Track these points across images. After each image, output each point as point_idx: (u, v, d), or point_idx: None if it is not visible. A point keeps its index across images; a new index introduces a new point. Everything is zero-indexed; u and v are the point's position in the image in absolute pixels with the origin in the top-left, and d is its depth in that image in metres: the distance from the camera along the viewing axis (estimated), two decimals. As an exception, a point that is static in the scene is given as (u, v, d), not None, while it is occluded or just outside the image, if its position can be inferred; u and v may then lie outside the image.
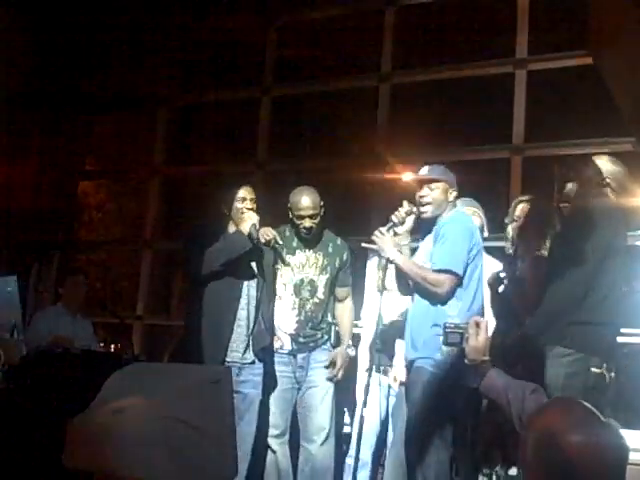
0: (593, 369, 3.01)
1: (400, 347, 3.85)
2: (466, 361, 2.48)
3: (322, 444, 4.06)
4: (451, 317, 3.42)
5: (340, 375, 4.15)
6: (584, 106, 5.06)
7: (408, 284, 3.67)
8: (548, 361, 3.06)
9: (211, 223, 4.24)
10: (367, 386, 3.60)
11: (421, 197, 3.63)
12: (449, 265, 3.48)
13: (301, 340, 4.15)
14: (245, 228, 3.93)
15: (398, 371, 3.96)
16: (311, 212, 4.09)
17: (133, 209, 6.93)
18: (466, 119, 5.59)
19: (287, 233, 4.22)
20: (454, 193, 3.67)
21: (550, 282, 3.14)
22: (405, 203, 3.68)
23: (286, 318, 4.16)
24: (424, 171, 3.68)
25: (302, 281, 4.17)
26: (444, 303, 3.48)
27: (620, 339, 3.31)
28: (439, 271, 3.49)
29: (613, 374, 3.06)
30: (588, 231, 3.11)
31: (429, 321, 3.47)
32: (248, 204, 4.02)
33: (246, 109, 6.37)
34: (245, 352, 4.00)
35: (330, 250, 4.22)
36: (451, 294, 3.48)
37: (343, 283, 4.27)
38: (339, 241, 4.26)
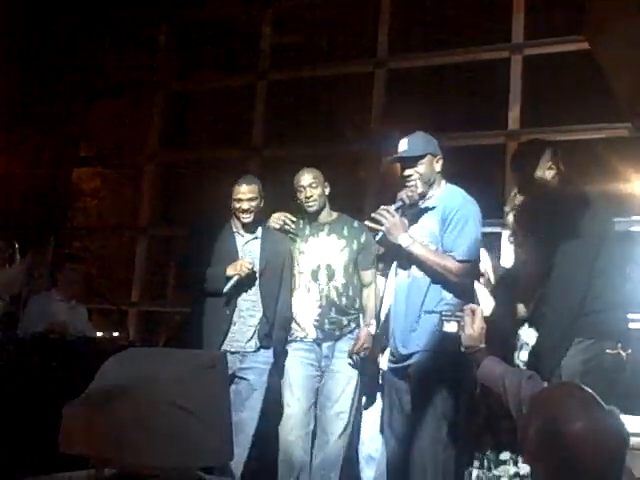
0: (608, 351, 3.04)
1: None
2: (462, 349, 2.49)
3: (339, 436, 3.95)
4: (449, 304, 3.38)
5: (362, 353, 3.97)
6: (580, 91, 5.05)
7: (389, 265, 3.56)
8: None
9: (213, 218, 4.26)
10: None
11: (407, 177, 3.46)
12: (472, 256, 3.40)
13: (327, 327, 4.02)
14: (229, 273, 3.90)
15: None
16: (310, 181, 4.06)
17: (129, 195, 6.91)
18: (462, 104, 5.57)
19: (301, 223, 4.19)
20: (440, 161, 3.49)
21: (556, 278, 3.12)
22: (418, 183, 3.45)
23: (307, 306, 4.05)
24: (403, 146, 3.47)
25: (319, 267, 4.07)
26: (457, 293, 3.38)
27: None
28: (462, 261, 3.37)
29: (630, 351, 3.08)
30: (582, 219, 3.11)
31: (427, 308, 3.37)
32: (245, 205, 3.98)
33: (242, 95, 6.35)
34: (249, 341, 3.98)
35: (345, 233, 4.12)
36: (467, 283, 3.43)
37: (366, 266, 4.10)
38: (356, 224, 4.14)
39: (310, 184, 4.06)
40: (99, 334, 5.21)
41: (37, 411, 3.79)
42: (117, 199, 7.08)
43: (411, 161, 3.44)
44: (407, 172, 3.45)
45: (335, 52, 6.14)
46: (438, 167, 3.48)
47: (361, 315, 4.11)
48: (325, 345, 4.04)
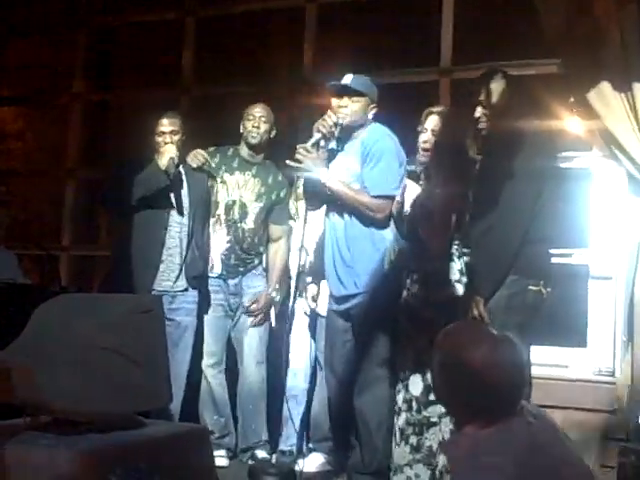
0: (531, 287, 3.18)
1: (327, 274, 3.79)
2: None
3: (254, 367, 4.08)
4: (388, 240, 3.43)
5: (259, 318, 4.11)
6: (513, 27, 5.06)
7: (319, 200, 3.58)
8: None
9: (137, 157, 4.20)
10: (292, 312, 3.63)
11: (340, 107, 3.52)
12: (388, 190, 3.44)
13: (232, 262, 4.10)
14: (163, 162, 3.89)
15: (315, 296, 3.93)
16: (262, 114, 4.15)
17: (54, 137, 6.69)
18: (394, 41, 5.53)
19: (229, 152, 4.23)
20: (374, 110, 3.59)
21: (500, 212, 3.17)
22: (330, 113, 3.53)
23: (217, 237, 4.12)
24: (347, 80, 3.55)
25: (234, 202, 4.13)
26: (385, 228, 3.45)
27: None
28: (378, 197, 3.43)
29: (550, 289, 3.23)
30: (528, 154, 3.16)
31: (367, 247, 3.45)
32: (167, 138, 3.99)
33: (170, 31, 6.16)
34: (177, 280, 3.99)
35: (270, 181, 4.18)
36: (390, 218, 3.46)
37: (277, 221, 4.20)
38: (280, 177, 4.20)
39: (261, 116, 4.14)
40: (30, 281, 5.08)
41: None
42: (42, 141, 6.85)
43: (350, 93, 3.52)
44: (343, 102, 3.52)
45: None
46: (370, 115, 3.58)
47: (264, 255, 4.19)
48: (231, 282, 4.13)
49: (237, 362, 4.18)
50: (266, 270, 4.22)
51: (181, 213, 4.00)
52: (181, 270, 4.00)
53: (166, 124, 4.02)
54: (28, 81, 6.68)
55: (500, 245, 3.19)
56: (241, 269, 4.13)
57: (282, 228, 4.19)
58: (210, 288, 4.12)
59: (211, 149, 4.28)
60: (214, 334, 4.13)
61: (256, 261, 4.18)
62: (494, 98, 3.34)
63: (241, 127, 4.18)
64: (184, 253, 4.01)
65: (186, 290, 4.02)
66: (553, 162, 3.39)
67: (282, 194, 4.18)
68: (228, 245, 4.11)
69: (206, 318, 4.13)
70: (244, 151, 4.21)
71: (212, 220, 4.15)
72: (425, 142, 3.60)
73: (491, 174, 3.25)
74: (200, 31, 5.91)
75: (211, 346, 4.12)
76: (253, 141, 4.14)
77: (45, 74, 6.62)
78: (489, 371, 1.83)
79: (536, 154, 3.22)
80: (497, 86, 3.36)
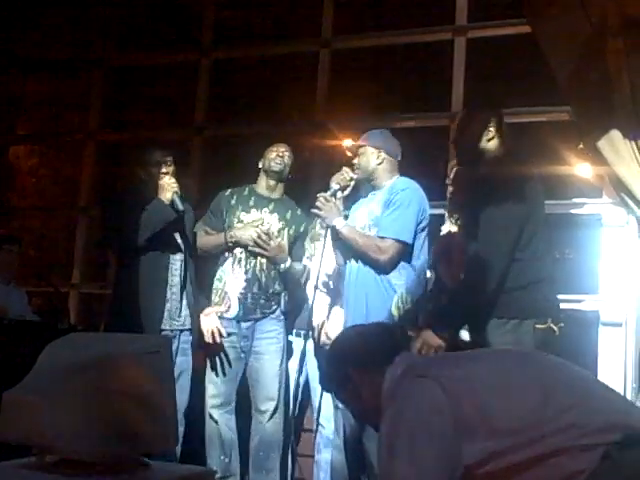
0: (538, 326, 3.00)
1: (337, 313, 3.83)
2: None
3: (271, 416, 3.98)
4: (399, 286, 3.45)
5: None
6: (523, 74, 5.11)
7: (346, 252, 3.63)
8: (489, 334, 3.04)
9: (128, 189, 4.20)
10: (303, 353, 3.62)
11: (353, 163, 3.72)
12: (396, 234, 3.47)
13: (249, 302, 4.00)
14: (167, 197, 3.84)
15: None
16: (284, 149, 4.15)
17: (68, 174, 6.76)
18: (406, 86, 5.58)
19: (245, 192, 4.19)
20: (382, 156, 3.65)
21: (478, 254, 3.09)
22: (346, 169, 3.67)
23: (234, 277, 4.04)
24: (364, 135, 3.74)
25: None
26: (387, 272, 3.46)
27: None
28: (388, 238, 3.47)
29: (562, 324, 3.05)
30: (512, 195, 3.09)
31: (376, 291, 3.46)
32: (163, 168, 3.91)
33: (184, 72, 6.25)
34: (181, 319, 3.94)
35: (288, 216, 4.14)
36: (395, 262, 3.47)
37: (298, 258, 4.15)
38: (299, 211, 4.18)
39: (285, 151, 4.15)
40: (39, 318, 5.09)
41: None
42: (56, 178, 6.93)
43: (358, 147, 3.69)
44: (356, 159, 3.69)
45: (280, 31, 6.08)
46: (378, 160, 3.64)
47: (283, 296, 4.09)
48: (244, 325, 4.02)
49: (250, 405, 4.04)
50: (284, 314, 4.10)
51: (181, 250, 3.94)
52: (184, 309, 3.94)
53: (159, 155, 3.93)
54: (43, 119, 6.78)
55: (477, 288, 3.05)
56: (257, 314, 4.02)
57: (303, 265, 4.13)
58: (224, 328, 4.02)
59: (227, 192, 4.23)
60: (222, 375, 4.03)
61: (274, 306, 4.06)
62: (465, 138, 3.35)
63: (261, 163, 4.15)
64: (184, 292, 3.95)
65: (184, 330, 3.94)
66: (542, 206, 3.28)
67: (301, 229, 4.13)
68: (245, 284, 4.01)
69: (213, 358, 4.04)
70: (261, 187, 4.17)
71: (230, 260, 4.07)
72: (452, 193, 3.69)
73: (479, 213, 3.16)
74: (214, 72, 6.00)
75: (219, 387, 4.02)
76: (276, 168, 4.09)
77: (60, 112, 6.71)
78: (357, 336, 2.22)
79: (525, 197, 3.08)
80: (468, 126, 3.36)
